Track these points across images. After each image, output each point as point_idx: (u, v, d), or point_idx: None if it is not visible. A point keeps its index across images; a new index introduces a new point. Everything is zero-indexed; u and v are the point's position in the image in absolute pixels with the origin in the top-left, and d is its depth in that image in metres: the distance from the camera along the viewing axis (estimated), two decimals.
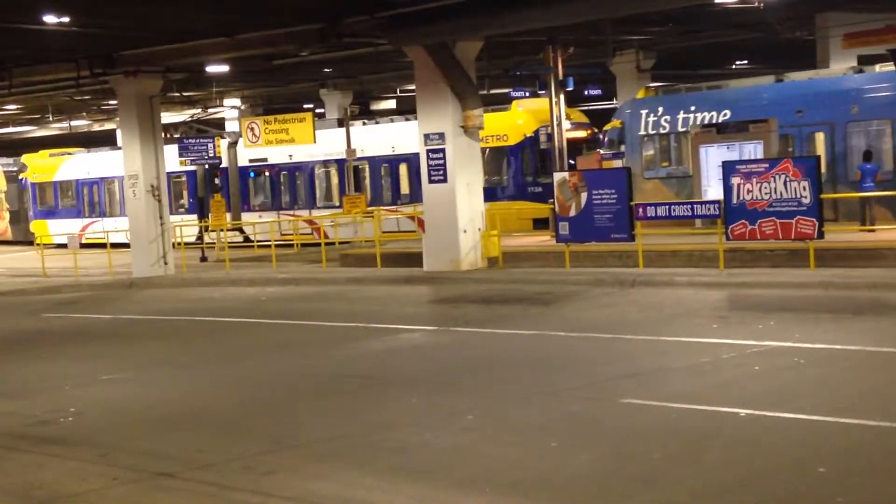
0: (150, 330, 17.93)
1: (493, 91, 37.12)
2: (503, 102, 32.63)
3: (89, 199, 41.53)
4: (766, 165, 18.75)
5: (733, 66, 39.45)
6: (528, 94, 31.16)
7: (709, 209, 19.60)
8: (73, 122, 49.69)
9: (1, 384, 13.18)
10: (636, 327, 14.29)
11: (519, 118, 29.67)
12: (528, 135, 29.07)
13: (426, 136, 21.96)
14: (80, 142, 48.12)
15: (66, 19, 20.59)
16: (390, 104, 45.77)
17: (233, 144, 35.93)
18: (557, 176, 21.32)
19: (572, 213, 20.57)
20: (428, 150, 21.93)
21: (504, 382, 11.36)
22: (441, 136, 21.71)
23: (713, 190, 21.91)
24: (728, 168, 19.10)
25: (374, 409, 10.46)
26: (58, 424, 10.72)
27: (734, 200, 18.74)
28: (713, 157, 22.45)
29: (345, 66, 33.76)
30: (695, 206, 20.17)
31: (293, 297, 20.86)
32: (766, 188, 18.37)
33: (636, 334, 13.71)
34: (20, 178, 44.78)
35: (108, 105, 41.85)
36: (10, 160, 46.20)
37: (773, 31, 29.29)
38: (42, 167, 43.69)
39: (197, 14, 21.37)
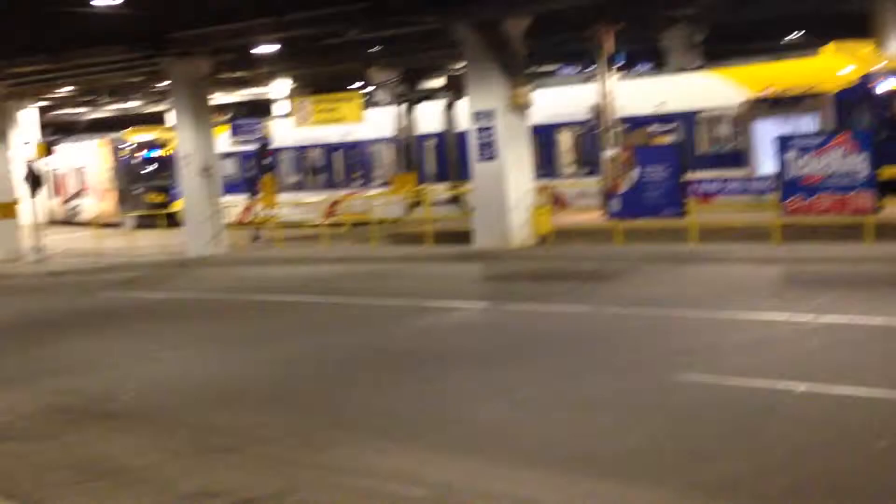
0: (204, 308, 18.15)
1: (541, 68, 36.97)
2: (550, 79, 32.39)
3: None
4: (823, 139, 18.51)
5: (787, 40, 38.90)
6: (577, 70, 30.96)
7: (763, 184, 19.39)
8: (127, 104, 50.26)
9: (63, 362, 13.43)
10: (690, 303, 14.20)
11: (837, 63, 24.45)
12: (853, 82, 23.70)
13: (475, 115, 21.93)
14: (133, 123, 47.73)
15: (117, 1, 20.79)
16: (439, 83, 45.68)
17: (450, 106, 31.70)
18: (608, 152, 21.22)
19: (623, 189, 20.47)
20: (477, 128, 21.91)
21: (556, 358, 11.37)
22: (490, 113, 21.67)
23: (768, 164, 21.68)
24: (783, 142, 18.88)
25: (429, 384, 10.52)
26: (119, 400, 10.91)
27: (789, 175, 18.53)
28: (767, 131, 22.20)
29: (393, 45, 33.75)
30: (749, 181, 19.97)
31: (345, 276, 20.99)
32: (821, 162, 18.13)
33: (690, 310, 13.63)
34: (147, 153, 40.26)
35: (161, 86, 42.22)
36: (117, 135, 42.73)
37: (828, 3, 28.79)
38: None
39: None
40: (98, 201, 42.73)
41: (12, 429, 10.02)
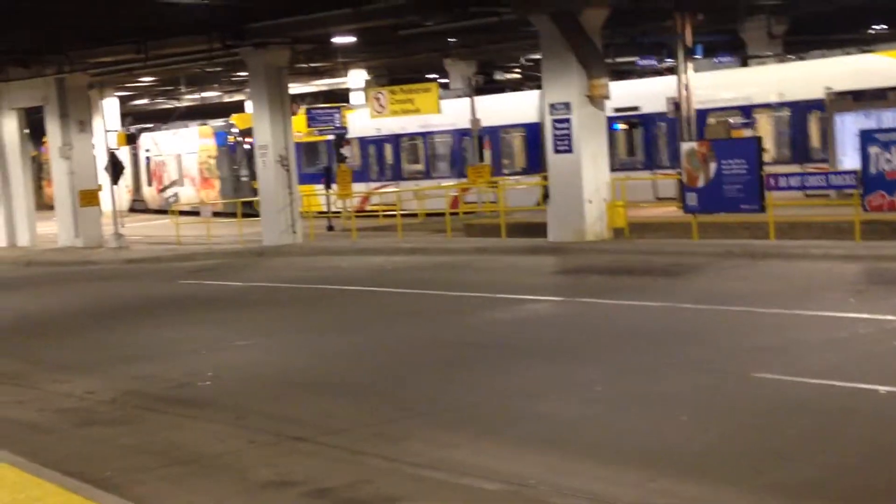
0: (280, 297, 18.33)
1: (618, 59, 36.65)
2: (629, 72, 32.04)
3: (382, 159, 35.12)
4: None
5: (870, 31, 38.07)
6: (655, 62, 30.59)
7: (845, 179, 19.01)
8: (205, 94, 50.97)
9: (141, 348, 13.67)
10: (768, 300, 13.96)
11: None
12: None
13: (552, 106, 21.81)
14: (211, 113, 47.94)
15: None
16: (515, 74, 45.55)
17: None
18: (685, 145, 20.95)
19: (700, 183, 20.19)
20: (553, 120, 21.79)
21: (632, 354, 11.27)
22: (566, 105, 21.53)
23: (849, 160, 21.23)
24: (866, 137, 18.47)
25: (502, 378, 10.49)
26: (195, 388, 11.06)
27: (872, 170, 18.12)
28: (849, 125, 21.74)
29: (469, 35, 33.71)
30: (830, 176, 19.59)
31: (419, 267, 21.04)
32: None
33: (768, 307, 13.40)
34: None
35: (238, 76, 42.68)
36: (222, 121, 41.40)
37: None
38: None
39: None
40: (197, 189, 41.87)
41: (92, 414, 10.22)
